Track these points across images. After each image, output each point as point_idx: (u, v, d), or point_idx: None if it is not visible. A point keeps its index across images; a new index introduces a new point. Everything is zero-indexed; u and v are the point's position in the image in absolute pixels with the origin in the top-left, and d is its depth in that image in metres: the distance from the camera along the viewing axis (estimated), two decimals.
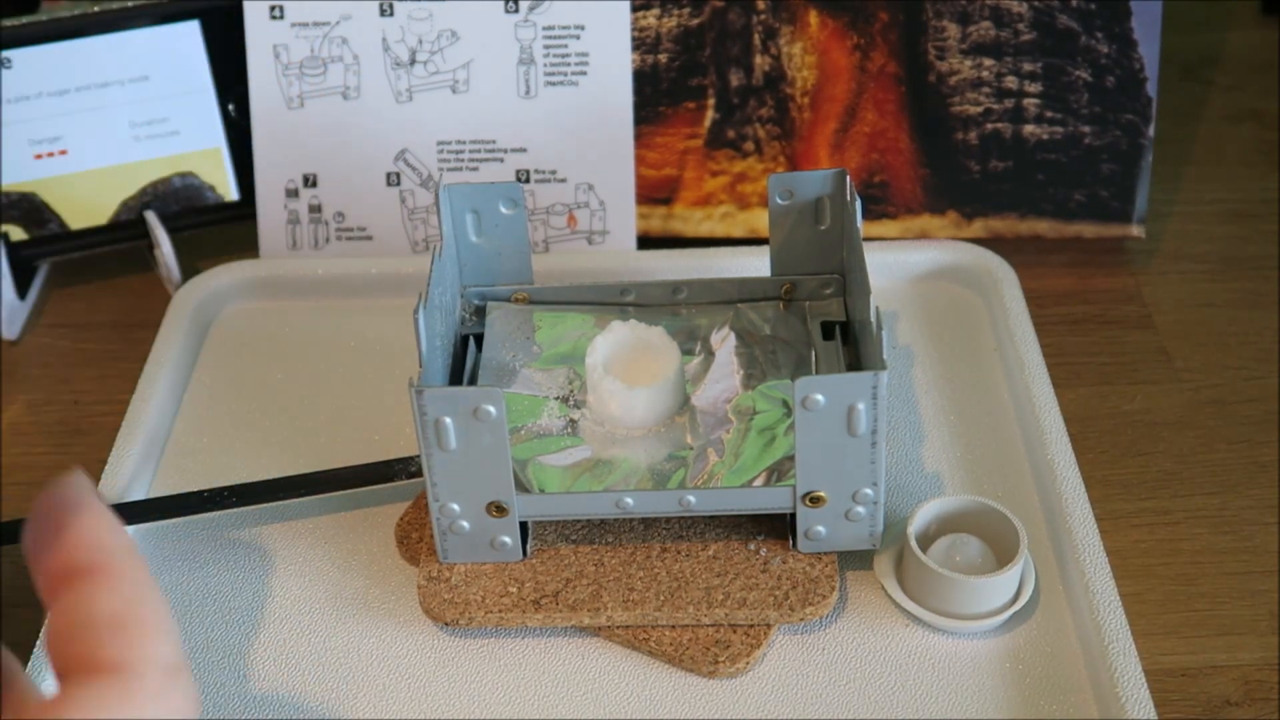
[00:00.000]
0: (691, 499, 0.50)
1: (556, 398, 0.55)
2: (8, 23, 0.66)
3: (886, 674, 0.50)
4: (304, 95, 0.68)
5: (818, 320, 0.58)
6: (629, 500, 0.50)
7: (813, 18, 0.68)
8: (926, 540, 0.52)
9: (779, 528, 0.53)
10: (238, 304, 0.68)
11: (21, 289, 0.69)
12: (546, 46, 0.68)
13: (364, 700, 0.50)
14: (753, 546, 0.52)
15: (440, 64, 0.68)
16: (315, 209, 0.69)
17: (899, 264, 0.67)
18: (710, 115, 0.68)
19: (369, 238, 0.69)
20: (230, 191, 0.70)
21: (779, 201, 0.57)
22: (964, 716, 0.48)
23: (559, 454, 0.53)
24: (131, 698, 0.31)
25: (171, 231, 0.69)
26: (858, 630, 0.51)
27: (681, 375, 0.55)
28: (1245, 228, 0.72)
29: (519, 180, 0.69)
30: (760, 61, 0.68)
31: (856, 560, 0.53)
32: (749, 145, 0.69)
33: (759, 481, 0.51)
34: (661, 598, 0.50)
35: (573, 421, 0.54)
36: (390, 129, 0.68)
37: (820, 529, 0.51)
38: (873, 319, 0.49)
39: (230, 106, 0.69)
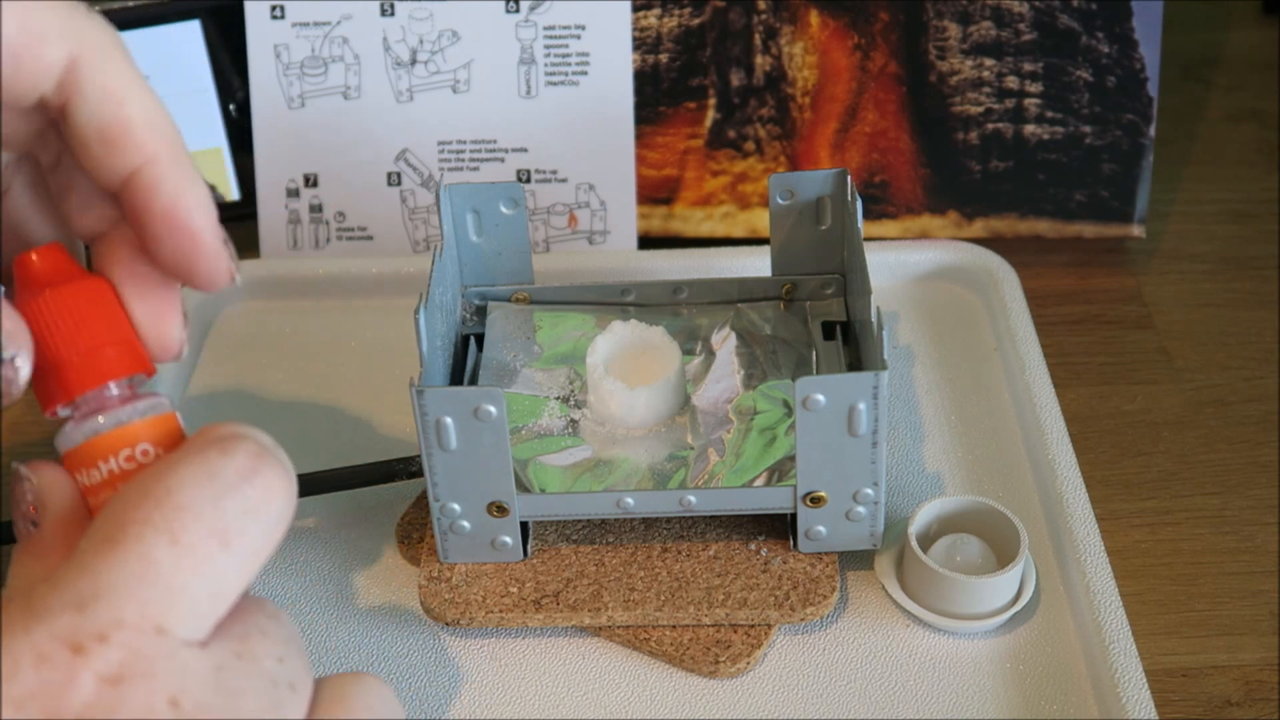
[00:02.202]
0: (692, 499, 0.50)
1: (557, 398, 0.55)
2: None
3: (887, 674, 0.50)
4: (305, 95, 0.68)
5: (818, 320, 0.58)
6: (629, 500, 0.50)
7: (813, 18, 0.68)
8: (927, 540, 0.52)
9: (779, 528, 0.53)
10: (238, 304, 0.68)
11: None
12: (547, 46, 0.68)
13: None
14: (753, 546, 0.52)
15: (441, 64, 0.68)
16: (316, 209, 0.69)
17: (899, 264, 0.67)
18: (711, 115, 0.69)
19: (369, 238, 0.69)
20: (231, 191, 0.70)
21: (779, 201, 0.57)
22: (964, 716, 0.48)
23: (560, 454, 0.53)
24: (218, 472, 0.31)
25: None
26: (858, 630, 0.51)
27: (682, 375, 0.55)
28: (1245, 228, 0.72)
29: (519, 180, 0.69)
30: (761, 61, 0.68)
31: (857, 560, 0.53)
32: (750, 145, 0.69)
33: (760, 481, 0.51)
34: (662, 598, 0.50)
35: (573, 421, 0.54)
36: (391, 129, 0.68)
37: (821, 529, 0.51)
38: (873, 319, 0.49)
39: (231, 106, 0.69)
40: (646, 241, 0.69)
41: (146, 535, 0.29)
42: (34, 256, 0.36)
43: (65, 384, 0.35)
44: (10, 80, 0.33)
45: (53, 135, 0.37)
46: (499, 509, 0.50)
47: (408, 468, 0.55)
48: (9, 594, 0.32)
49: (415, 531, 0.54)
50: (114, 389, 0.35)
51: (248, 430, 0.32)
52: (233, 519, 0.30)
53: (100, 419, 0.34)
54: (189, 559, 0.30)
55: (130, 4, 0.67)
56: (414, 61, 0.68)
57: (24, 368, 0.33)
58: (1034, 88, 0.67)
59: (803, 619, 0.50)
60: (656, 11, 0.68)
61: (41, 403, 0.35)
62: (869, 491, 0.50)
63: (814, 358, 0.56)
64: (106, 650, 0.28)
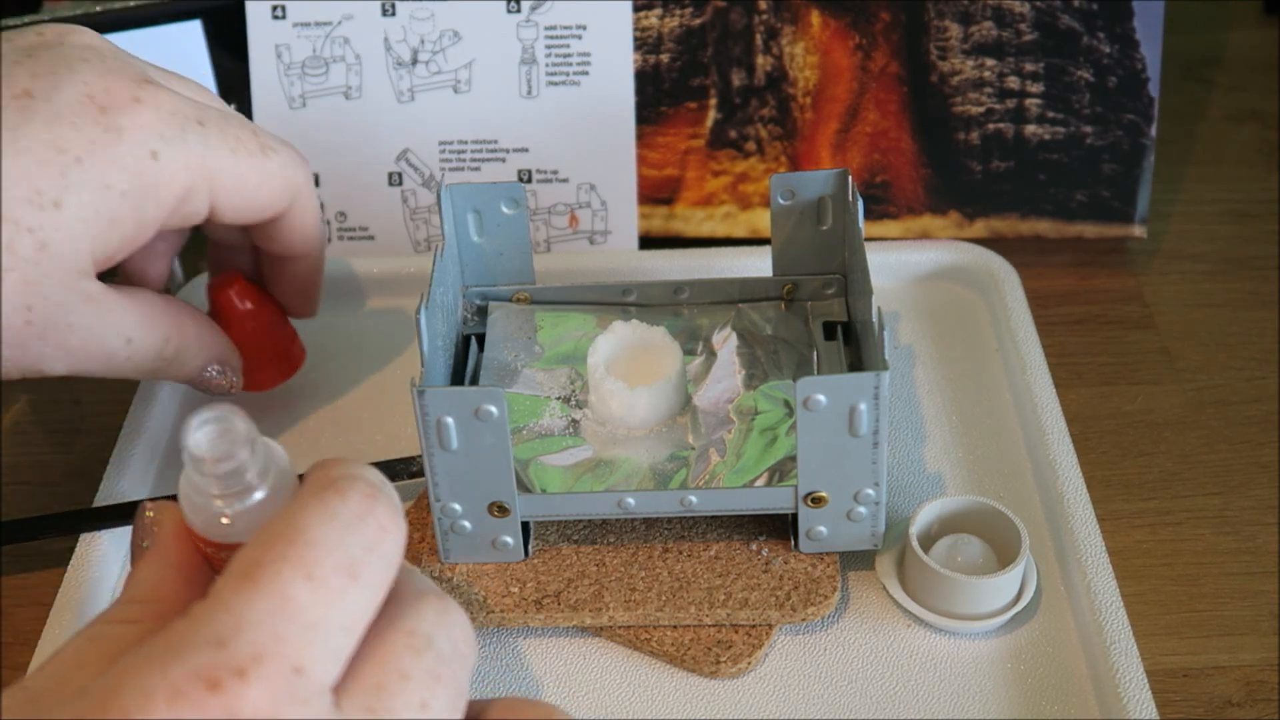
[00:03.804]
0: (693, 499, 0.50)
1: (558, 398, 0.55)
2: (9, 22, 0.66)
3: (888, 674, 0.50)
4: (306, 95, 0.68)
5: (819, 320, 0.58)
6: (630, 500, 0.50)
7: (814, 18, 0.68)
8: (928, 540, 0.52)
9: (780, 528, 0.53)
10: None
11: None
12: (548, 46, 0.68)
13: None
14: (754, 547, 0.52)
15: (442, 64, 0.68)
16: None
17: (901, 264, 0.67)
18: (712, 115, 0.69)
19: (371, 237, 0.69)
20: None
21: (781, 201, 0.57)
22: (965, 717, 0.48)
23: (560, 454, 0.53)
24: (337, 512, 0.32)
25: None
26: (859, 630, 0.51)
27: (683, 375, 0.55)
28: (1246, 228, 0.72)
29: (520, 180, 0.69)
30: (762, 61, 0.68)
31: (858, 560, 0.53)
32: (750, 145, 0.69)
33: (760, 482, 0.51)
34: (663, 598, 0.50)
35: (574, 421, 0.54)
36: (392, 129, 0.68)
37: (822, 529, 0.51)
38: (874, 319, 0.49)
39: (232, 106, 0.69)
40: (647, 241, 0.69)
41: (284, 572, 0.30)
42: (228, 282, 0.57)
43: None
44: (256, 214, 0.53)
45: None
46: (500, 509, 0.50)
47: (408, 468, 0.55)
48: (131, 596, 0.34)
49: (416, 532, 0.54)
50: (252, 475, 0.34)
51: (357, 470, 0.33)
52: (358, 554, 0.32)
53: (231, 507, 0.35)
54: (323, 593, 0.31)
55: (130, 4, 0.67)
56: (415, 61, 0.68)
57: (237, 381, 0.56)
58: (1035, 88, 0.67)
59: (804, 619, 0.50)
60: (658, 11, 0.68)
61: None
62: (870, 492, 0.50)
63: (815, 358, 0.56)
64: (244, 689, 0.28)
